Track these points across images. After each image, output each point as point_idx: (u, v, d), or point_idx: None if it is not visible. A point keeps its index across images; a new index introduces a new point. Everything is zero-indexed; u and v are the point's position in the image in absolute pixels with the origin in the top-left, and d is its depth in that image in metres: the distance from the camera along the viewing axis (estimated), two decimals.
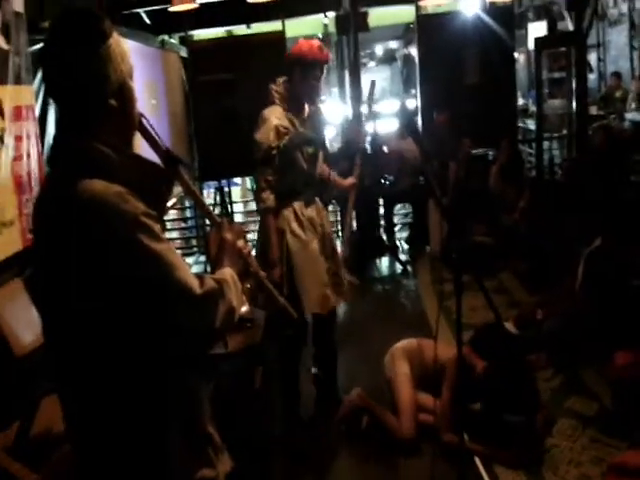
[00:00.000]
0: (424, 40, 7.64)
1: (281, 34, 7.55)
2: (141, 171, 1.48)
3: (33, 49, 4.56)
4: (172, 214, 8.96)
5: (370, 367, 4.03)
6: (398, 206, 8.16)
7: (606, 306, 4.16)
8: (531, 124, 9.31)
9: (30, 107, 4.40)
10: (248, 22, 8.45)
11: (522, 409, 3.47)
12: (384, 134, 8.18)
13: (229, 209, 7.04)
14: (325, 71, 3.49)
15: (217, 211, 6.10)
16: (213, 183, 7.51)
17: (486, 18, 7.48)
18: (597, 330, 4.10)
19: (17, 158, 4.12)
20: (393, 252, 7.15)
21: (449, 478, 2.79)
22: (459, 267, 2.21)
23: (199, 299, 1.42)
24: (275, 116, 3.39)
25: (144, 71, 6.49)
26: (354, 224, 6.56)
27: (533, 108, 9.09)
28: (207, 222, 7.40)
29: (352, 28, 7.26)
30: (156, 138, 1.61)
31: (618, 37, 11.25)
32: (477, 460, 3.33)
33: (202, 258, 7.89)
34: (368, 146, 6.94)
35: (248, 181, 11.17)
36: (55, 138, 1.56)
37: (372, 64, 17.89)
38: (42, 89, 4.80)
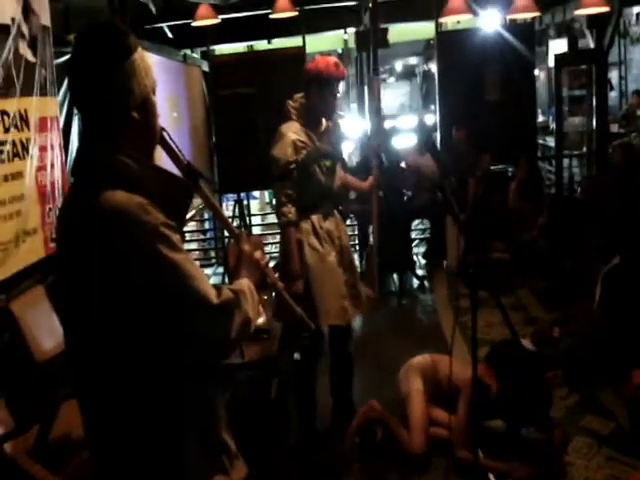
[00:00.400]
0: (444, 56, 7.67)
1: (301, 49, 7.62)
2: (162, 183, 1.50)
3: (59, 62, 4.65)
4: (191, 226, 9.03)
5: (385, 380, 4.03)
6: (416, 221, 8.16)
7: (623, 325, 4.13)
8: (551, 141, 9.27)
9: (55, 118, 4.48)
10: (269, 37, 8.54)
11: (539, 426, 3.45)
12: (402, 149, 8.20)
13: (247, 222, 7.08)
14: (341, 87, 3.53)
15: (235, 224, 6.14)
16: (232, 196, 7.57)
17: (506, 35, 7.49)
18: (614, 349, 4.07)
19: (41, 168, 4.19)
20: (410, 267, 7.15)
21: None
22: (476, 283, 2.21)
23: (216, 309, 1.44)
24: (292, 131, 3.43)
25: (166, 85, 6.58)
26: (371, 238, 6.57)
27: (553, 125, 9.06)
28: (226, 234, 7.46)
29: (372, 44, 7.30)
30: (177, 151, 1.63)
31: None
32: (491, 477, 3.31)
33: (220, 269, 7.93)
34: (384, 159, 6.94)
35: (267, 194, 11.26)
36: (79, 149, 1.60)
37: (392, 80, 17.96)
38: (66, 101, 4.89)
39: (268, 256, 1.81)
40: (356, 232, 7.73)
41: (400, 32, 9.79)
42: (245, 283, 1.59)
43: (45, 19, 4.40)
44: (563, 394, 4.08)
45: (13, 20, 3.90)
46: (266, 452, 3.11)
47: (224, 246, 7.95)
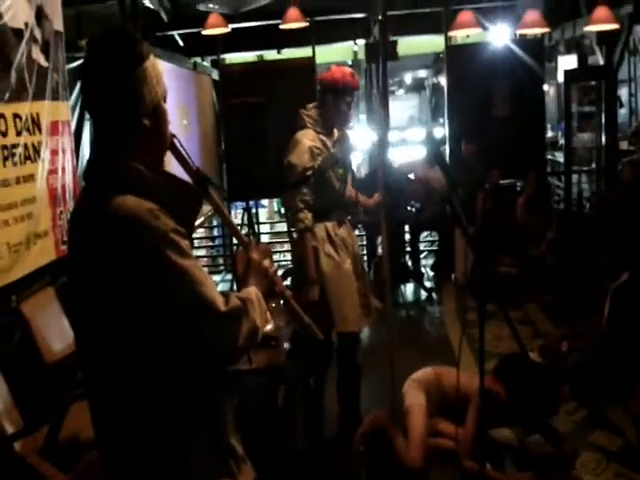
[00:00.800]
0: (453, 70, 7.70)
1: (311, 60, 7.67)
2: (172, 189, 1.51)
3: (71, 66, 4.68)
4: (200, 232, 9.05)
5: (392, 391, 4.01)
6: (424, 233, 8.16)
7: (632, 341, 4.11)
8: (560, 157, 9.26)
9: (66, 122, 4.51)
10: (279, 47, 8.59)
11: (547, 437, 3.43)
12: (410, 162, 8.22)
13: (256, 230, 7.09)
14: (355, 97, 3.56)
15: (244, 231, 6.15)
16: (241, 204, 7.59)
17: (516, 50, 7.51)
18: (622, 365, 4.05)
19: (52, 171, 4.22)
20: (418, 278, 7.15)
21: None
22: (483, 296, 2.20)
23: (223, 316, 1.44)
24: (308, 138, 3.45)
25: (177, 92, 6.61)
26: (379, 250, 6.58)
27: (562, 141, 9.06)
28: (234, 241, 7.47)
29: (381, 56, 7.31)
30: (187, 158, 1.64)
31: None
32: None
33: (229, 276, 7.94)
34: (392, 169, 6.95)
35: (275, 203, 11.29)
36: (91, 154, 1.61)
37: (401, 92, 18.01)
38: (78, 105, 4.92)
39: (276, 264, 1.81)
40: (364, 242, 7.74)
41: (409, 45, 9.84)
42: (253, 291, 1.59)
43: (58, 24, 4.44)
44: (571, 409, 4.06)
45: (26, 25, 3.94)
46: (273, 457, 3.10)
47: (232, 253, 7.96)
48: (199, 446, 1.52)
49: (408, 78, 17.64)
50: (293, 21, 6.59)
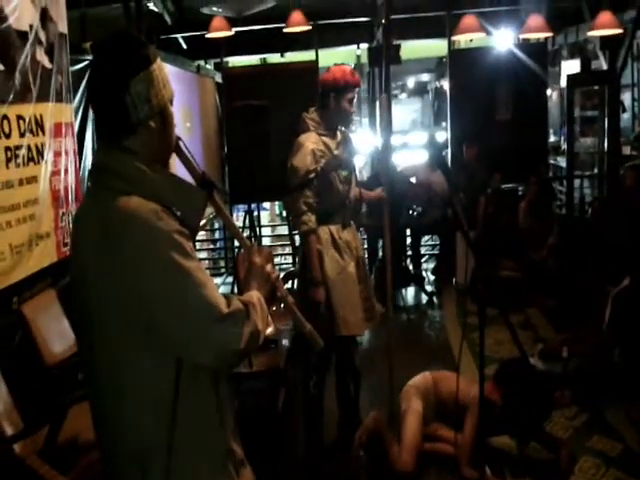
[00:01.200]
0: (456, 74, 7.71)
1: (314, 64, 7.67)
2: (177, 191, 1.52)
3: (74, 68, 4.70)
4: (202, 235, 9.06)
5: (390, 395, 4.01)
6: (426, 237, 8.16)
7: (633, 347, 4.11)
8: (562, 161, 9.26)
9: (69, 124, 4.52)
10: (282, 51, 8.61)
11: (544, 444, 3.43)
12: (413, 165, 8.22)
13: (257, 232, 7.10)
14: (357, 95, 3.57)
15: (246, 234, 6.15)
16: (242, 206, 7.60)
17: (519, 54, 7.52)
18: (623, 370, 4.05)
19: (55, 173, 4.23)
20: (419, 282, 7.15)
21: None
22: (484, 300, 2.21)
23: (225, 318, 1.44)
24: (311, 141, 3.46)
25: (180, 95, 6.62)
26: (380, 253, 6.58)
27: (565, 145, 9.06)
28: (236, 244, 7.48)
29: (384, 60, 7.32)
30: (192, 161, 1.65)
31: None
32: None
33: (230, 279, 7.94)
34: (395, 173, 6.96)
35: (277, 206, 11.29)
36: (96, 155, 1.62)
37: (403, 96, 18.04)
38: (81, 107, 4.93)
39: (278, 267, 1.81)
40: (365, 246, 7.74)
41: (412, 49, 9.85)
42: (255, 295, 1.59)
43: (62, 27, 4.46)
44: (571, 414, 4.05)
45: (31, 27, 3.95)
46: (273, 461, 3.10)
47: (234, 256, 7.97)
48: (197, 450, 1.52)
49: (411, 82, 17.67)
50: (296, 25, 6.60)
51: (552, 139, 10.33)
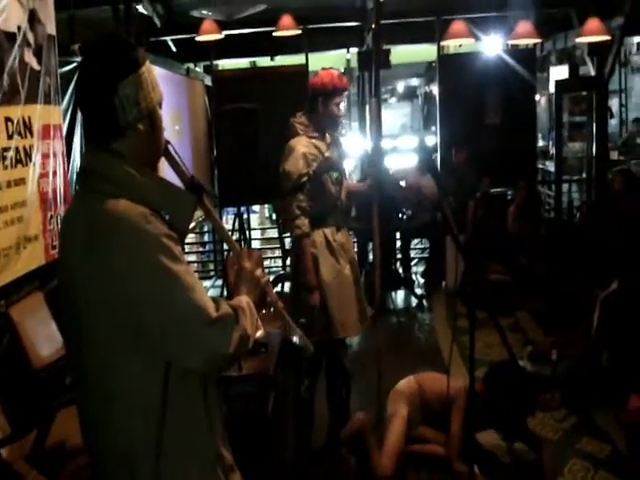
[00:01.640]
0: (445, 79, 7.74)
1: (304, 67, 7.68)
2: (165, 194, 1.51)
3: (63, 70, 4.67)
4: (191, 238, 9.03)
5: (382, 398, 4.01)
6: (415, 240, 8.18)
7: (621, 350, 4.13)
8: (551, 166, 9.32)
9: (58, 126, 4.50)
10: (272, 54, 8.59)
11: (527, 442, 3.44)
12: (402, 169, 8.24)
13: (247, 236, 7.08)
14: (345, 99, 3.58)
15: (235, 237, 6.14)
16: (232, 209, 7.59)
17: (508, 60, 7.56)
18: (611, 373, 4.07)
19: (43, 175, 4.20)
20: (409, 285, 7.16)
21: None
22: (474, 303, 2.21)
23: (214, 322, 1.44)
24: (302, 145, 3.46)
25: (169, 98, 6.60)
26: (370, 256, 6.58)
27: (553, 150, 9.12)
28: (225, 247, 7.45)
29: (374, 64, 7.33)
30: (181, 165, 1.64)
31: None
32: None
33: (219, 282, 7.92)
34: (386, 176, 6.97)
35: (266, 209, 11.28)
36: (84, 158, 1.61)
37: (393, 100, 18.09)
38: (70, 109, 4.90)
39: (267, 270, 1.80)
40: (355, 249, 7.74)
41: (402, 54, 9.87)
42: (244, 299, 1.58)
43: (51, 28, 4.44)
44: (560, 417, 4.07)
45: (19, 28, 3.93)
46: (262, 465, 3.09)
47: (223, 259, 7.95)
48: (186, 454, 1.51)
49: (400, 86, 17.73)
50: (286, 29, 6.62)
51: (541, 144, 10.40)
